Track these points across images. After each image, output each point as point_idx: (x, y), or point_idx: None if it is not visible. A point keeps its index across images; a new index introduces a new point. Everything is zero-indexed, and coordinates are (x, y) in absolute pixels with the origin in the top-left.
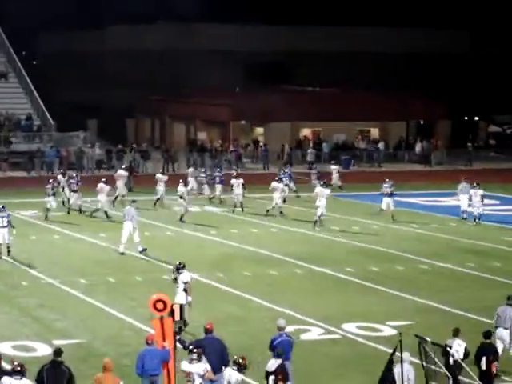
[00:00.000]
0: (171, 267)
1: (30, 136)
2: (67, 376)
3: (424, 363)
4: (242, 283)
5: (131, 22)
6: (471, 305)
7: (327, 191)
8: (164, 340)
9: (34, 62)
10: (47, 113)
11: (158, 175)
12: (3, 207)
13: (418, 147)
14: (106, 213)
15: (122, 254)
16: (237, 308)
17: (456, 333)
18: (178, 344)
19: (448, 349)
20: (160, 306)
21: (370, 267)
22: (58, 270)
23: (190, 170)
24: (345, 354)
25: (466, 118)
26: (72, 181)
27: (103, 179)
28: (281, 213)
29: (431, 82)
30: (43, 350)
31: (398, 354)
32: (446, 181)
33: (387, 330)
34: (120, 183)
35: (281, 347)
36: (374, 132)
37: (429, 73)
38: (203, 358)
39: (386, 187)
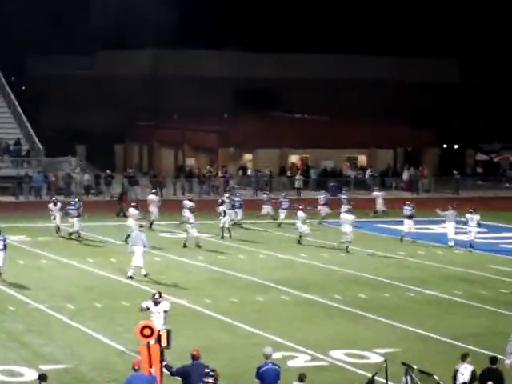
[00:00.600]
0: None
1: (18, 161)
2: None
3: None
4: (229, 309)
5: (119, 47)
6: (458, 332)
7: (351, 217)
8: (151, 366)
9: (23, 87)
10: (36, 138)
11: (151, 196)
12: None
13: (405, 175)
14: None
15: (131, 277)
16: (224, 334)
17: (464, 357)
18: (164, 370)
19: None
20: (147, 332)
21: (358, 294)
22: (45, 295)
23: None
24: (332, 381)
25: (454, 146)
26: (72, 207)
27: (133, 203)
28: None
29: (419, 110)
30: (30, 375)
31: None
32: (433, 208)
33: (374, 357)
34: (153, 208)
35: (266, 376)
36: (362, 159)
37: (417, 100)
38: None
39: (407, 210)
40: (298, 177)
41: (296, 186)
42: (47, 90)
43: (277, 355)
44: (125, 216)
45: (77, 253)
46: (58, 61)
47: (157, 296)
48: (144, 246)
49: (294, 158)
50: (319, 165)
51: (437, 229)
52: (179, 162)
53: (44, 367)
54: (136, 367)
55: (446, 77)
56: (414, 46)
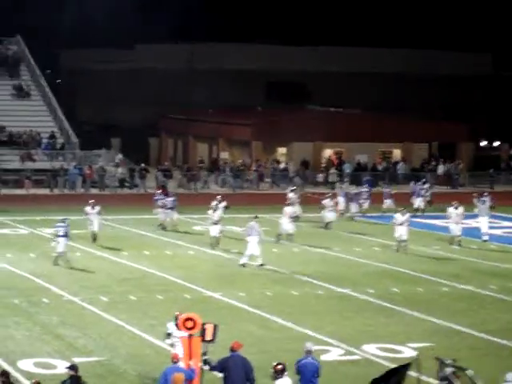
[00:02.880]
0: (193, 286)
1: (53, 154)
2: None
3: None
4: (263, 303)
5: (156, 41)
6: (492, 327)
7: (403, 218)
8: (190, 359)
9: (58, 81)
10: (71, 131)
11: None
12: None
13: (440, 169)
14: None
15: (243, 265)
16: (257, 328)
17: None
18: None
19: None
20: (189, 324)
21: (391, 288)
22: (79, 287)
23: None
24: (364, 375)
25: (488, 140)
26: (170, 199)
27: (328, 195)
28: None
29: (454, 104)
30: (64, 368)
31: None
32: (469, 203)
33: (407, 352)
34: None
35: (305, 370)
36: (396, 153)
37: (452, 94)
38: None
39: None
40: (332, 171)
41: (330, 180)
42: (82, 83)
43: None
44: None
45: (111, 245)
46: (93, 54)
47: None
48: (259, 236)
49: (328, 152)
50: (353, 159)
51: (472, 223)
52: (213, 156)
53: (77, 359)
54: (175, 360)
55: (479, 70)
56: (447, 40)
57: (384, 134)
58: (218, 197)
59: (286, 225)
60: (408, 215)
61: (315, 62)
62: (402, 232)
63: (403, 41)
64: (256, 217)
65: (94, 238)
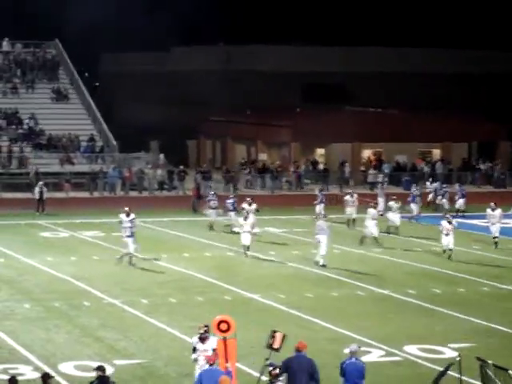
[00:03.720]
0: (233, 288)
1: (92, 157)
2: None
3: None
4: (304, 304)
5: (192, 43)
6: None
7: (449, 226)
8: (227, 361)
9: (97, 84)
10: (109, 134)
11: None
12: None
13: (480, 168)
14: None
15: (324, 266)
16: (298, 329)
17: None
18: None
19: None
20: (224, 326)
21: (432, 289)
22: (119, 290)
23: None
24: (406, 376)
25: None
26: (212, 198)
27: (394, 196)
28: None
29: (492, 103)
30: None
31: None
32: (509, 203)
33: (448, 352)
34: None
35: (350, 372)
36: (436, 153)
37: (490, 94)
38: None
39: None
40: (371, 171)
41: (369, 180)
42: (120, 86)
43: (348, 350)
44: (195, 211)
45: (150, 248)
46: (130, 57)
47: (202, 331)
48: (327, 235)
49: (367, 153)
50: (392, 159)
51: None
52: (252, 157)
53: (118, 362)
54: (211, 362)
55: None
56: (487, 40)
57: (423, 133)
58: (248, 199)
59: (372, 227)
60: (454, 223)
61: (353, 62)
62: (449, 240)
63: (444, 41)
64: (324, 216)
65: (130, 259)
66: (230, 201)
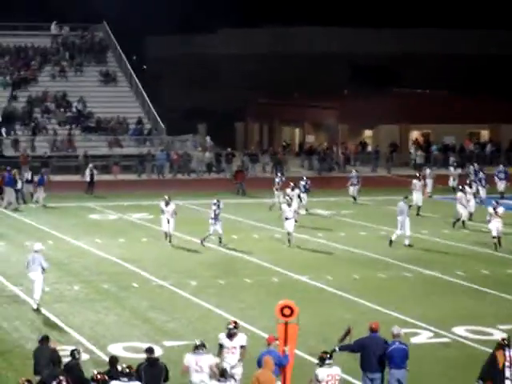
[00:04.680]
0: (280, 270)
1: (140, 139)
2: (164, 372)
3: None
4: (351, 286)
5: (240, 25)
6: None
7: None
8: (285, 345)
9: (144, 67)
10: (157, 116)
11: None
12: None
13: None
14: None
15: (410, 245)
16: (345, 310)
17: None
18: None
19: None
20: (287, 311)
21: (481, 270)
22: (168, 271)
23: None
24: (455, 358)
25: None
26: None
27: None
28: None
29: None
30: (158, 352)
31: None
32: None
33: (498, 334)
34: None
35: (395, 355)
36: (484, 134)
37: None
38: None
39: None
40: (418, 153)
41: (417, 161)
42: (168, 68)
43: (396, 331)
44: (244, 194)
45: (198, 229)
46: (177, 40)
47: (231, 327)
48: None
49: (415, 134)
50: (440, 140)
51: None
52: (300, 140)
53: (167, 343)
54: (269, 342)
55: None
56: None
57: (471, 115)
58: (291, 184)
59: (462, 209)
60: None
61: (400, 44)
62: (497, 226)
63: (491, 22)
64: (406, 197)
65: (169, 239)
66: (303, 182)
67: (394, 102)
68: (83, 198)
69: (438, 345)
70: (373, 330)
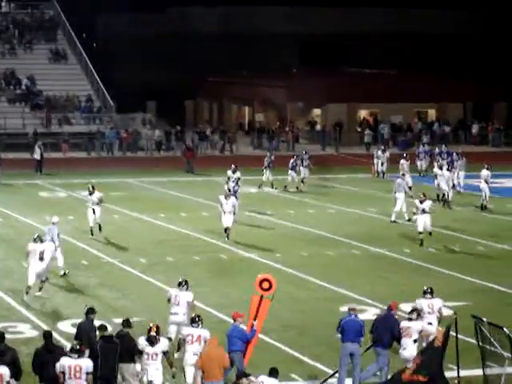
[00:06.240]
0: (229, 247)
1: (89, 117)
2: (119, 349)
3: (480, 343)
4: (300, 263)
5: (189, 4)
6: None
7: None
8: (254, 319)
9: (94, 45)
10: (107, 94)
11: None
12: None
13: (474, 128)
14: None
15: (394, 222)
16: (293, 287)
17: None
18: None
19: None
20: (266, 285)
21: (427, 248)
22: (117, 249)
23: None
24: None
25: None
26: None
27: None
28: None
29: (487, 64)
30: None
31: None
32: (504, 162)
33: (444, 311)
34: None
35: (347, 328)
36: (431, 113)
37: (484, 55)
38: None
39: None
40: (367, 132)
41: (365, 140)
42: (118, 47)
43: (345, 308)
44: (192, 172)
45: (148, 207)
46: (127, 18)
47: (152, 333)
48: (405, 193)
49: (363, 113)
50: (388, 120)
51: (506, 182)
52: (249, 118)
53: (117, 320)
54: (234, 317)
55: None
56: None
57: (419, 94)
58: (232, 166)
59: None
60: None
61: (350, 23)
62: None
63: (438, 1)
64: (403, 174)
65: (99, 228)
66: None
67: (343, 80)
68: (33, 175)
69: None
70: (389, 309)
